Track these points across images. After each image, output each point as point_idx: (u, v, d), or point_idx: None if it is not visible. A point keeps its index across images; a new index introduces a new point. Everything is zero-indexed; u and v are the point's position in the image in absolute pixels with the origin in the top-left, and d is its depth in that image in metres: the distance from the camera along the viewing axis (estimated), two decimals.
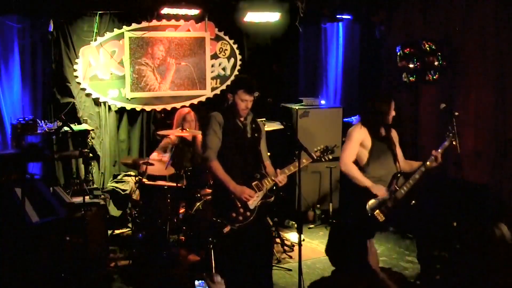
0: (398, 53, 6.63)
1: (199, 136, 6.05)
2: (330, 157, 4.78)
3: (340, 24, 8.00)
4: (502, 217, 5.32)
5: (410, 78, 6.57)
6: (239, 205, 4.41)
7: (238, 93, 4.45)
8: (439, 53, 6.38)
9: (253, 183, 4.46)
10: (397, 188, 4.75)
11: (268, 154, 4.79)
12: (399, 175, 4.80)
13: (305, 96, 7.51)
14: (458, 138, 4.89)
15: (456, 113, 4.78)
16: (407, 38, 6.96)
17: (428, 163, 4.81)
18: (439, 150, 4.83)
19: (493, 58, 6.21)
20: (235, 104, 4.47)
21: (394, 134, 5.00)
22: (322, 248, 6.29)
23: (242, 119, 4.54)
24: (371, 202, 4.70)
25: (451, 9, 6.61)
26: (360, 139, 4.80)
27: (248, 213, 4.43)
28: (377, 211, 4.68)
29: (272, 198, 4.60)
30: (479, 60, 6.34)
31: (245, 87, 4.44)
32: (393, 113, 4.86)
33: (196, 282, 2.51)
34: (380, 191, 4.70)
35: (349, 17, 7.69)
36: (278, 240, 6.12)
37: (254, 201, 4.44)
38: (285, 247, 6.06)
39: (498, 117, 6.20)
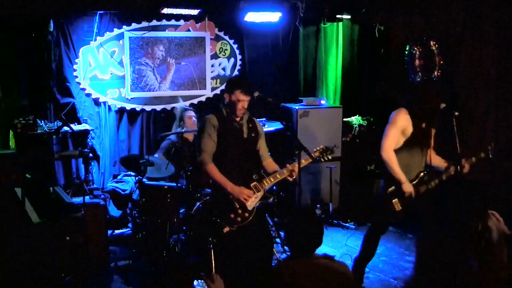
0: (413, 52, 6.61)
1: None
2: (330, 157, 4.76)
3: (340, 24, 8.00)
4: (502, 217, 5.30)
5: (424, 77, 6.57)
6: (237, 206, 4.40)
7: (235, 93, 4.41)
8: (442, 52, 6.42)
9: (252, 184, 4.45)
10: (421, 183, 4.74)
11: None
12: (426, 171, 4.78)
13: (305, 96, 7.50)
14: (458, 138, 4.88)
15: (456, 113, 4.78)
16: (407, 38, 6.97)
17: (444, 175, 4.79)
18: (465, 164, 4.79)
19: (493, 58, 6.22)
20: (231, 104, 4.45)
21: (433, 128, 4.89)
22: (322, 248, 6.29)
23: (238, 119, 4.51)
24: (392, 188, 4.70)
25: (451, 9, 6.62)
26: (404, 126, 4.69)
27: (247, 214, 4.42)
28: (396, 199, 4.69)
29: (271, 199, 4.59)
30: (479, 60, 6.34)
31: (242, 87, 4.41)
32: (442, 105, 4.71)
33: (195, 282, 2.50)
34: (409, 189, 4.66)
35: (349, 17, 7.69)
36: (278, 240, 6.12)
37: (252, 202, 4.43)
38: (285, 247, 6.05)
39: (498, 117, 6.21)
